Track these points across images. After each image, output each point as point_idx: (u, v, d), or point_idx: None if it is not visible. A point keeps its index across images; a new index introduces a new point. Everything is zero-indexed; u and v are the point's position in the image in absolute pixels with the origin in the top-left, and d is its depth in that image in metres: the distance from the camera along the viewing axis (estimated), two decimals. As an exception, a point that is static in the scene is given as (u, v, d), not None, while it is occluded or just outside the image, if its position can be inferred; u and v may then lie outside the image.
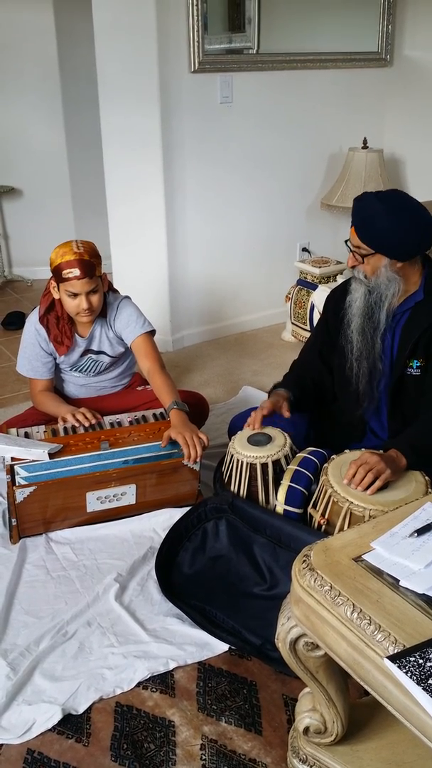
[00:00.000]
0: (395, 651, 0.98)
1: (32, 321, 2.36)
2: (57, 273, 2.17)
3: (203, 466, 2.27)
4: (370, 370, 2.01)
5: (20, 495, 2.03)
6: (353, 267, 1.98)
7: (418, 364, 1.96)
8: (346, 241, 1.99)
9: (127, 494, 2.17)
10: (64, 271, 2.15)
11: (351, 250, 1.96)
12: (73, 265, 2.13)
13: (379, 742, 1.33)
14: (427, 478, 1.81)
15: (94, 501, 2.14)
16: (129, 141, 3.30)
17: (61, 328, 2.32)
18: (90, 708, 1.60)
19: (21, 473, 2.02)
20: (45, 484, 2.05)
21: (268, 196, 3.68)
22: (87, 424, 2.23)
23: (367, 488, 1.74)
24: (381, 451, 1.83)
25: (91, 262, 2.16)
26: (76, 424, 2.22)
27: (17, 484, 2.03)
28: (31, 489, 2.04)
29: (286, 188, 3.74)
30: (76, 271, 2.14)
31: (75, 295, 2.19)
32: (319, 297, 3.42)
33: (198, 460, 2.11)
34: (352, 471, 1.77)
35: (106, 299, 2.34)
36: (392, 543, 1.18)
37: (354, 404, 2.07)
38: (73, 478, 2.07)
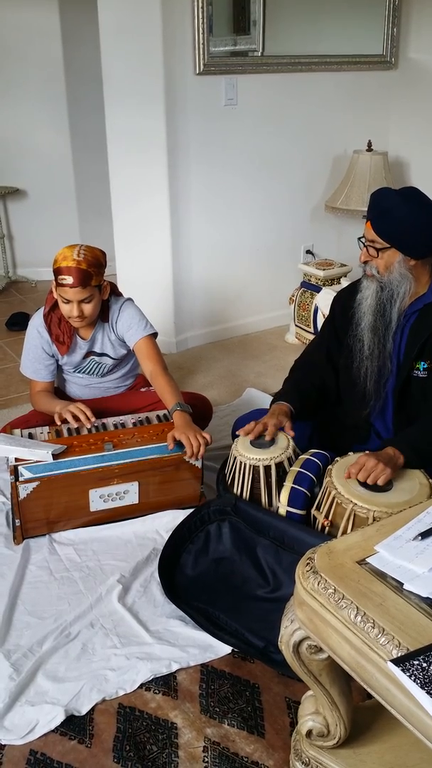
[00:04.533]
0: (399, 654, 0.98)
1: (34, 324, 2.36)
2: (54, 275, 2.18)
3: (206, 467, 2.27)
4: (379, 368, 2.01)
5: (23, 491, 2.03)
6: (365, 262, 1.97)
7: (425, 366, 1.96)
8: (359, 239, 1.98)
9: (130, 492, 2.17)
10: (59, 277, 2.16)
11: (364, 245, 1.96)
12: (68, 273, 2.14)
13: (382, 746, 1.33)
14: (430, 480, 1.81)
15: (98, 499, 2.14)
16: (134, 143, 3.31)
17: (62, 327, 2.32)
18: (93, 709, 1.60)
19: (24, 474, 2.02)
20: (48, 479, 2.05)
21: (272, 198, 3.68)
22: (82, 417, 2.20)
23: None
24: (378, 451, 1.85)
25: (87, 272, 2.15)
26: (74, 423, 2.21)
27: (20, 479, 2.03)
28: (34, 485, 2.04)
29: (291, 190, 3.74)
30: (70, 279, 2.14)
31: (67, 301, 2.20)
32: (322, 299, 3.42)
33: (200, 456, 2.11)
34: (353, 471, 1.78)
35: (107, 303, 2.34)
36: (396, 546, 1.18)
37: (360, 404, 2.07)
38: (76, 474, 2.07)
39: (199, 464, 2.20)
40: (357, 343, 2.02)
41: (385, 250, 1.91)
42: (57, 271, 2.17)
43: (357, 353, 2.02)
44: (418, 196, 1.91)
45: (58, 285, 2.18)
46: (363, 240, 1.97)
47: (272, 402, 2.17)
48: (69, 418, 2.22)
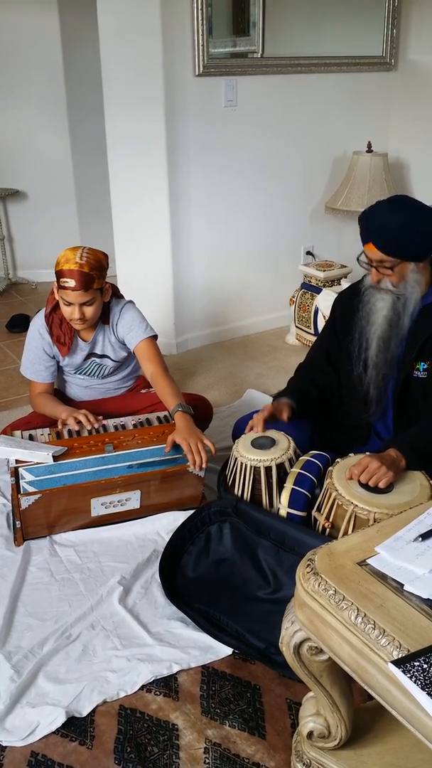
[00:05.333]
0: (399, 656, 0.98)
1: (36, 325, 2.37)
2: (56, 277, 2.18)
3: (207, 469, 2.27)
4: (383, 376, 2.00)
5: (25, 502, 2.03)
6: (378, 281, 1.94)
7: (425, 367, 1.96)
8: (359, 260, 1.96)
9: (132, 499, 2.17)
10: (62, 279, 2.16)
11: (373, 267, 1.92)
12: (70, 275, 2.14)
13: (383, 747, 1.33)
14: (431, 481, 1.81)
15: (99, 506, 2.14)
16: (133, 144, 3.31)
17: (63, 328, 2.32)
18: (94, 711, 1.60)
19: (25, 476, 2.02)
20: (50, 492, 2.04)
21: (273, 199, 3.69)
22: (89, 427, 2.22)
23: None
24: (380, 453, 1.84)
25: (90, 275, 2.15)
26: (76, 427, 2.22)
27: (22, 491, 2.02)
28: (36, 497, 2.04)
29: (291, 192, 3.75)
30: (72, 282, 2.14)
31: (69, 303, 2.20)
32: (323, 300, 3.43)
33: (203, 466, 2.11)
34: (356, 472, 1.78)
35: (108, 305, 2.34)
36: (397, 547, 1.18)
37: (361, 406, 2.08)
38: (78, 486, 2.07)
39: (202, 474, 2.19)
40: (362, 352, 2.01)
41: (397, 265, 1.90)
42: (59, 274, 2.17)
43: (360, 360, 2.01)
44: (409, 204, 1.89)
45: (60, 287, 2.18)
46: (364, 262, 1.94)
47: (273, 400, 2.18)
48: (72, 423, 2.22)
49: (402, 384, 2.00)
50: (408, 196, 1.93)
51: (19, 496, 2.02)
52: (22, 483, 2.02)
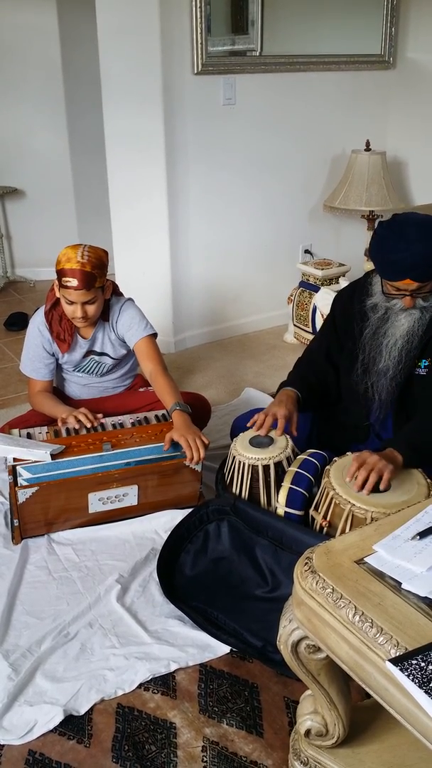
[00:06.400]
0: (397, 654, 0.98)
1: (35, 322, 2.36)
2: (58, 276, 2.18)
3: (205, 467, 2.27)
4: (397, 384, 1.99)
5: (22, 496, 2.04)
6: (413, 304, 1.93)
7: (426, 364, 1.96)
8: (383, 293, 1.95)
9: (129, 495, 2.17)
10: (64, 278, 2.15)
11: (407, 295, 1.90)
12: (72, 275, 2.13)
13: (380, 745, 1.33)
14: (428, 480, 1.81)
15: (96, 502, 2.14)
16: (132, 143, 3.31)
17: (63, 325, 2.32)
18: (91, 709, 1.60)
19: (23, 474, 2.02)
20: (47, 485, 2.05)
21: (271, 197, 3.69)
22: (89, 425, 2.22)
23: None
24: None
25: (92, 273, 2.15)
26: (76, 426, 2.22)
27: (19, 485, 2.03)
28: (33, 490, 2.04)
29: (289, 190, 3.74)
30: (74, 282, 2.14)
31: (71, 302, 2.20)
32: (321, 299, 3.43)
33: (200, 461, 2.11)
34: (353, 470, 1.77)
35: (108, 302, 2.34)
36: (394, 546, 1.18)
37: (360, 405, 2.07)
38: (75, 479, 2.07)
39: (199, 468, 2.19)
40: (374, 364, 2.00)
41: (429, 283, 1.90)
42: (61, 273, 2.16)
43: (369, 372, 2.01)
44: (419, 222, 1.88)
45: (62, 286, 2.18)
46: (392, 293, 1.93)
47: (279, 389, 2.17)
48: (72, 422, 2.22)
49: (403, 382, 2.00)
50: (407, 213, 1.91)
51: (17, 488, 2.02)
52: (19, 480, 2.02)
